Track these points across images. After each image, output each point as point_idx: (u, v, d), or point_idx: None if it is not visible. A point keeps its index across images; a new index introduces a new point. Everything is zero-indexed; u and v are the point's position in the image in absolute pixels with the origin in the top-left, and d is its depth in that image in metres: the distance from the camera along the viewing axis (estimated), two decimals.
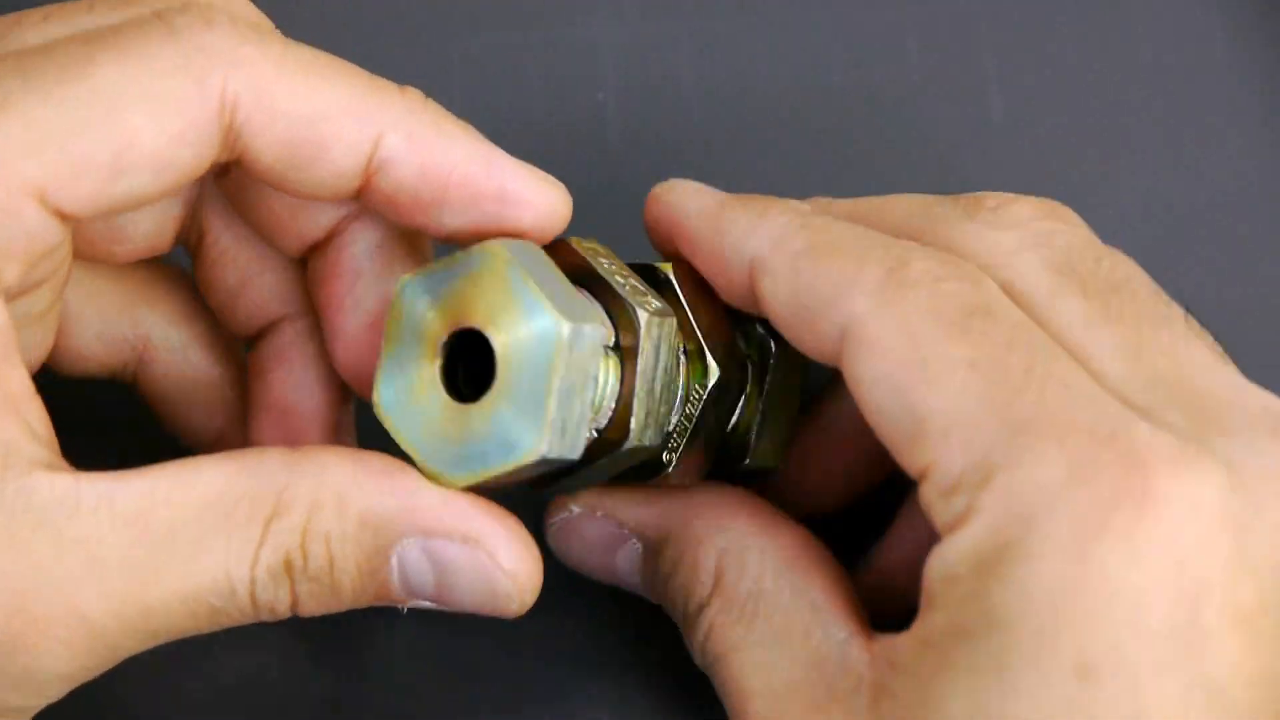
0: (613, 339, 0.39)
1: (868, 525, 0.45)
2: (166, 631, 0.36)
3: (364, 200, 0.38)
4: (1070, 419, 0.35)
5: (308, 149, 0.37)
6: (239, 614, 0.37)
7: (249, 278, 0.42)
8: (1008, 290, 0.38)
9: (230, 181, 0.41)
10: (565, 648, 0.46)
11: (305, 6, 0.51)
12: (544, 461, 0.37)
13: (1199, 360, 0.37)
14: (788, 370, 0.43)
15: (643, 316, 0.39)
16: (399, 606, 0.38)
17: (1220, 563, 0.34)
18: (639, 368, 0.39)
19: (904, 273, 0.37)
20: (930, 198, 0.40)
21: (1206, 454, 0.35)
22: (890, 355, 0.36)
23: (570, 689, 0.46)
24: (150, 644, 0.37)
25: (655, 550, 0.42)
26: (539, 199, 0.38)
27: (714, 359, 0.41)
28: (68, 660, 0.36)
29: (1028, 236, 0.39)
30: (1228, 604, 0.34)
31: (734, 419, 0.42)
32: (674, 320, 0.40)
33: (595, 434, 0.39)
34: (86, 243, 0.40)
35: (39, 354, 0.40)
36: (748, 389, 0.42)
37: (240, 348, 0.44)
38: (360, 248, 0.40)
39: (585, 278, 0.39)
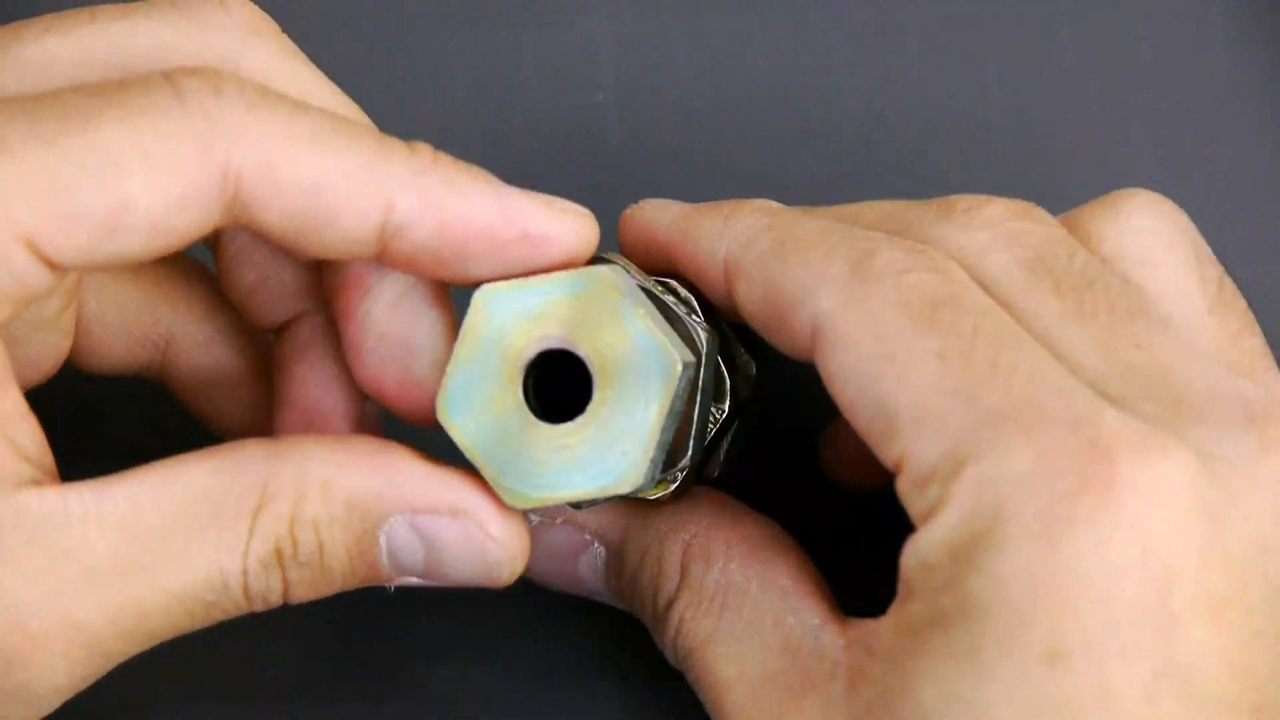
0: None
1: (867, 526, 0.45)
2: (162, 632, 0.37)
3: (386, 262, 0.38)
4: (1037, 408, 0.35)
5: (315, 219, 0.37)
6: (233, 607, 0.37)
7: (267, 275, 0.42)
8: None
9: None
10: (566, 647, 0.46)
11: (305, 6, 0.51)
12: (631, 492, 0.38)
13: (1174, 352, 0.37)
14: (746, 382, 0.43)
15: (704, 338, 0.39)
16: (386, 586, 0.39)
17: (1190, 549, 0.34)
18: (699, 392, 0.39)
19: (869, 265, 0.37)
20: (904, 202, 0.41)
21: (1176, 440, 0.35)
22: (859, 350, 0.37)
23: (571, 689, 0.46)
24: (145, 646, 0.37)
25: (618, 552, 0.42)
26: (562, 234, 0.38)
27: (731, 381, 0.41)
28: (66, 672, 0.36)
29: (1000, 236, 0.39)
30: (1198, 591, 0.34)
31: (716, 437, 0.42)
32: (717, 339, 0.40)
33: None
34: None
35: (54, 356, 0.40)
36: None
37: (266, 339, 0.44)
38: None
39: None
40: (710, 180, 0.50)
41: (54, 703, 0.37)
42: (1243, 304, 0.40)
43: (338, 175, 0.36)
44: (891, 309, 0.37)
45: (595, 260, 0.39)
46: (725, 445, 0.42)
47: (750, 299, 0.39)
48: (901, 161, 0.50)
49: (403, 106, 0.51)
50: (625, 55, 0.51)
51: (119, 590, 0.35)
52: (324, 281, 0.41)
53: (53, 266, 0.35)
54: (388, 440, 0.38)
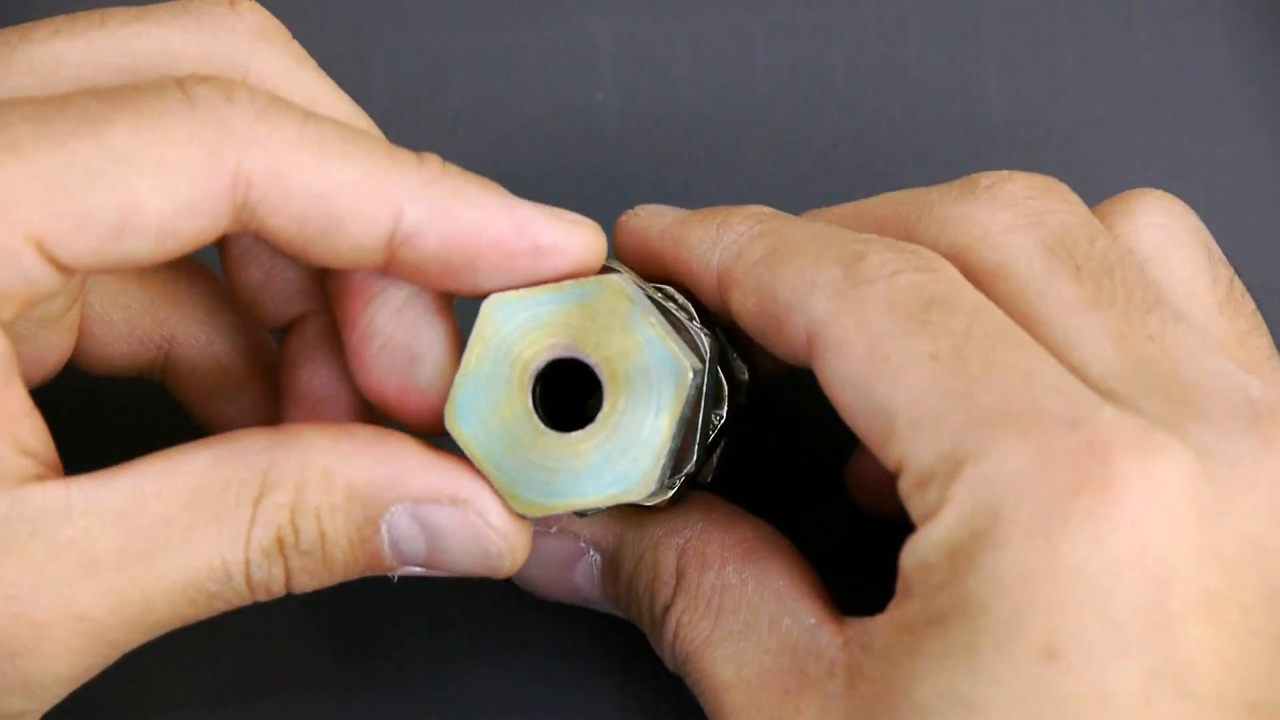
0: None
1: (864, 528, 0.45)
2: (166, 622, 0.37)
3: (394, 271, 0.38)
4: (1034, 406, 0.35)
5: (324, 226, 0.37)
6: (235, 596, 0.37)
7: (273, 274, 0.42)
8: (1001, 270, 0.38)
9: None
10: (565, 653, 0.46)
11: (306, 6, 0.51)
12: (642, 500, 0.38)
13: (1186, 346, 0.37)
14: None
15: (707, 344, 0.39)
16: (390, 575, 0.39)
17: (1186, 548, 0.35)
18: (703, 398, 0.39)
19: (860, 269, 0.37)
20: (921, 189, 0.41)
21: (1174, 439, 0.35)
22: (854, 355, 0.37)
23: (570, 694, 0.46)
24: (150, 636, 0.37)
25: (613, 559, 0.42)
26: (572, 245, 0.38)
27: (729, 386, 0.41)
28: (69, 662, 0.36)
29: (1022, 215, 0.39)
30: (1194, 590, 0.34)
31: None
32: (718, 346, 0.40)
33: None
34: None
35: (58, 356, 0.40)
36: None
37: (267, 342, 0.44)
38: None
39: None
40: (710, 180, 0.50)
41: (58, 693, 0.37)
42: (1252, 305, 0.40)
43: (347, 183, 0.36)
44: (884, 311, 0.37)
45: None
46: (720, 450, 0.42)
47: (745, 307, 0.39)
48: (901, 161, 0.50)
49: (403, 106, 0.51)
50: (625, 55, 0.51)
51: (122, 580, 0.36)
52: (328, 289, 0.41)
53: (61, 268, 0.35)
54: (389, 429, 0.38)
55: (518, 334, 0.38)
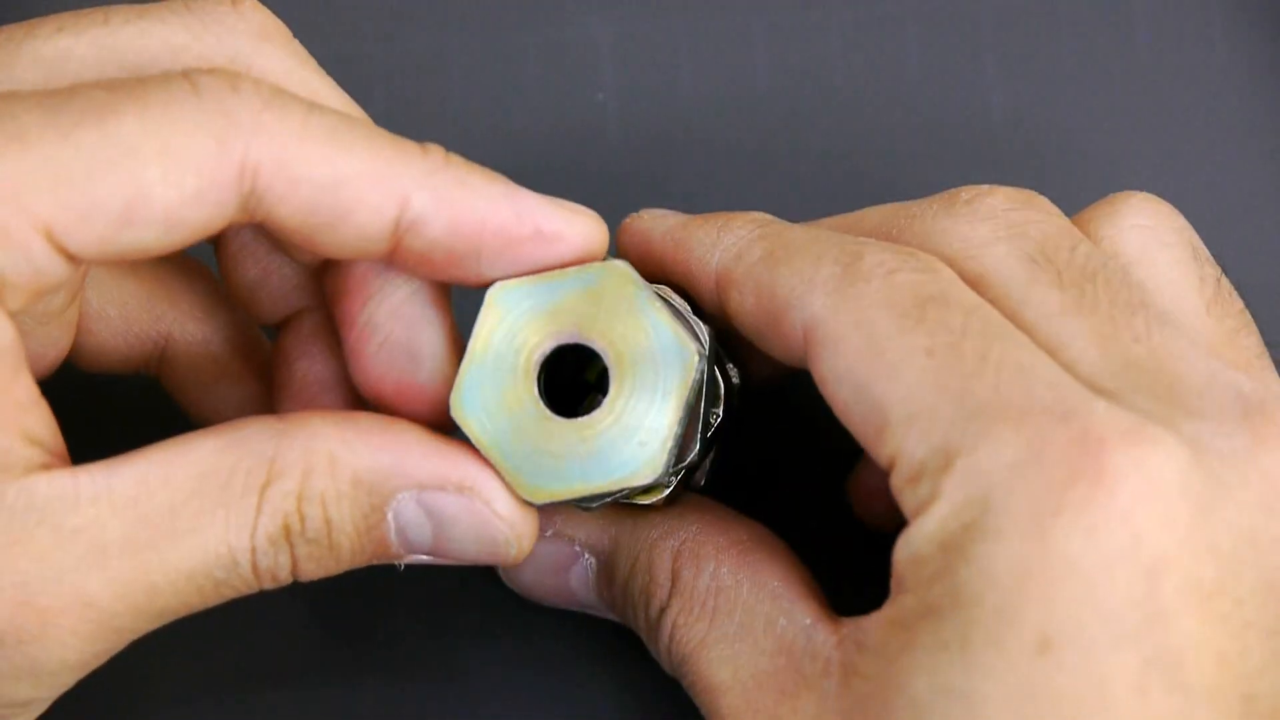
0: None
1: (859, 529, 0.45)
2: (173, 610, 0.37)
3: (398, 261, 0.38)
4: (1026, 401, 0.35)
5: (331, 214, 0.37)
6: (242, 584, 0.37)
7: (270, 270, 0.42)
8: (983, 281, 0.38)
9: None
10: (564, 658, 0.46)
11: (306, 6, 0.51)
12: (649, 484, 0.38)
13: (1173, 346, 0.37)
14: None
15: (706, 335, 0.39)
16: (396, 563, 0.39)
17: (1180, 540, 0.35)
18: (704, 386, 0.39)
19: (857, 267, 0.37)
20: (905, 202, 0.41)
21: (1168, 432, 0.35)
22: (849, 350, 0.37)
23: (568, 698, 0.46)
24: (156, 624, 0.37)
25: (608, 562, 0.42)
26: (575, 233, 0.38)
27: (724, 386, 0.41)
28: (76, 648, 0.36)
29: (1001, 227, 0.39)
30: (1187, 582, 0.35)
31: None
32: (714, 344, 0.40)
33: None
34: None
35: (57, 351, 0.41)
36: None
37: (264, 340, 0.44)
38: (370, 265, 0.40)
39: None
40: (710, 180, 0.50)
41: (66, 680, 0.37)
42: (1239, 304, 0.40)
43: (353, 172, 0.37)
44: (880, 308, 0.37)
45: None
46: (713, 453, 0.42)
47: (743, 306, 0.39)
48: (901, 161, 0.50)
49: (403, 106, 0.51)
50: (625, 55, 0.51)
51: (129, 568, 0.36)
52: (326, 288, 0.41)
53: (69, 257, 0.36)
54: (394, 417, 0.38)
55: (522, 321, 0.38)
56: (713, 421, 0.40)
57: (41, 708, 0.38)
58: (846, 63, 0.51)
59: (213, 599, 0.37)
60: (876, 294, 0.37)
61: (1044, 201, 0.40)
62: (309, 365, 0.42)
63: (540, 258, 0.38)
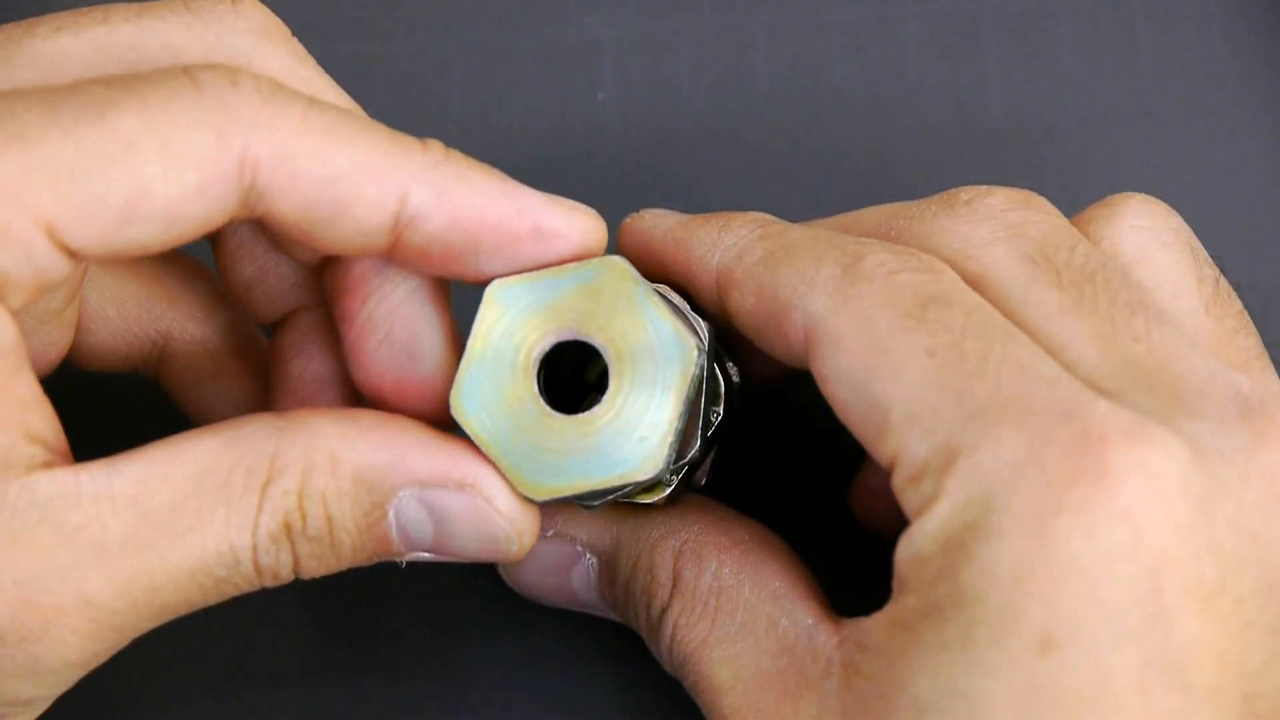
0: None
1: (860, 530, 0.45)
2: (174, 608, 0.37)
3: (397, 257, 0.38)
4: (1027, 400, 0.35)
5: (331, 209, 0.37)
6: (244, 582, 0.37)
7: (267, 268, 0.42)
8: (982, 282, 0.38)
9: None
10: (564, 660, 0.46)
11: (306, 6, 0.51)
12: (649, 480, 0.38)
13: (1172, 346, 0.37)
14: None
15: (705, 331, 0.39)
16: (398, 561, 0.39)
17: (1181, 539, 0.35)
18: (704, 382, 0.39)
19: (859, 267, 0.37)
20: (904, 203, 0.41)
21: (1168, 431, 0.35)
22: (851, 350, 0.37)
23: (568, 700, 0.46)
24: (158, 622, 0.37)
25: (610, 562, 0.42)
26: (573, 231, 0.38)
27: (724, 385, 0.41)
28: (77, 647, 0.36)
29: (1000, 228, 0.39)
30: (1189, 581, 0.35)
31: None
32: (714, 342, 0.40)
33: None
34: None
35: (57, 350, 0.41)
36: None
37: (262, 340, 0.44)
38: (370, 263, 0.40)
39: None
40: (709, 179, 0.50)
41: (68, 678, 0.37)
42: (1238, 304, 0.40)
43: (353, 167, 0.37)
44: (882, 308, 0.37)
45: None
46: (713, 453, 0.42)
47: (744, 306, 0.39)
48: (901, 161, 0.50)
49: (403, 106, 0.51)
50: (625, 55, 0.51)
51: (130, 566, 0.36)
52: (325, 285, 0.41)
53: (70, 254, 0.36)
54: (394, 414, 0.38)
55: (521, 319, 0.38)
56: (713, 420, 0.40)
57: (43, 706, 0.38)
58: (846, 63, 0.51)
59: (214, 597, 0.37)
60: (878, 294, 0.37)
61: (1042, 202, 0.40)
62: (305, 363, 0.42)
63: (539, 254, 0.38)
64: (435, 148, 0.38)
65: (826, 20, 0.51)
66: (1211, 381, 0.37)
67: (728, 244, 0.40)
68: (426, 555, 0.39)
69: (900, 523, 0.37)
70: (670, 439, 0.38)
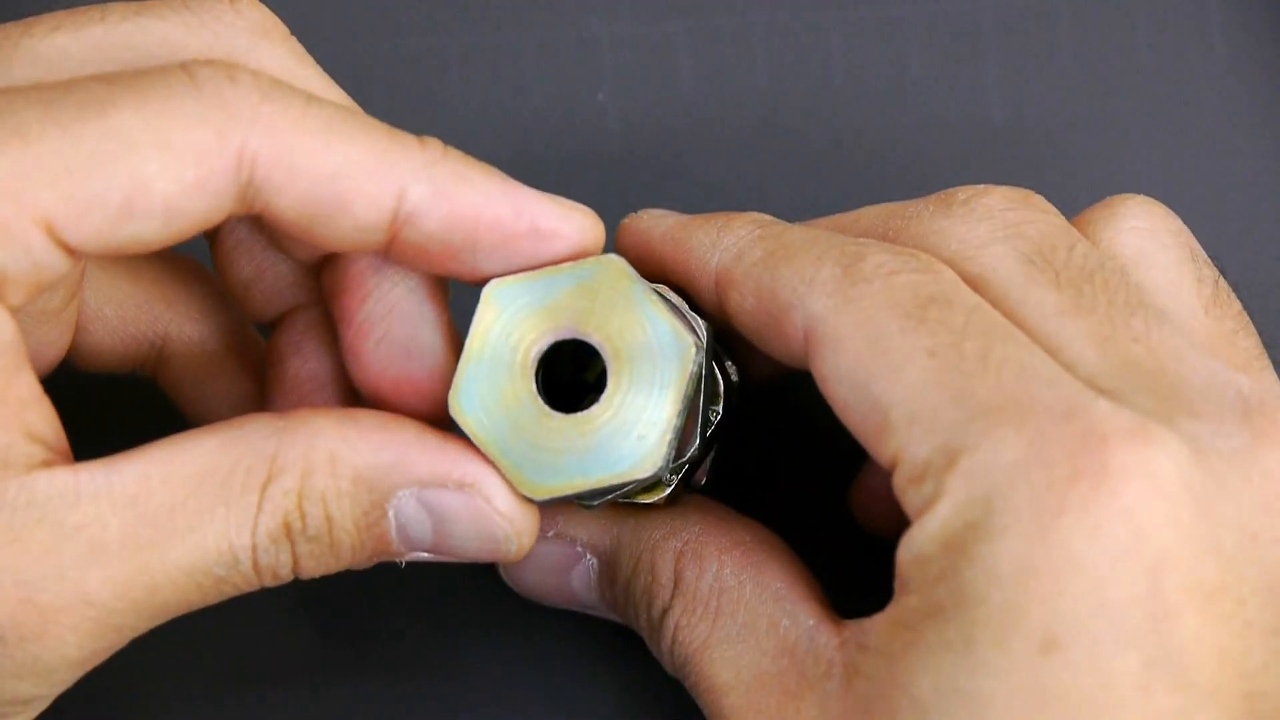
0: None
1: (861, 532, 0.45)
2: (173, 607, 0.37)
3: (395, 255, 0.38)
4: (1029, 399, 0.35)
5: (329, 206, 0.37)
6: (243, 581, 0.37)
7: (264, 267, 0.42)
8: (981, 282, 0.38)
9: None
10: (565, 661, 0.46)
11: (306, 6, 0.51)
12: (648, 478, 0.38)
13: (1172, 346, 0.37)
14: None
15: (703, 329, 0.39)
16: (398, 561, 0.39)
17: (1182, 539, 0.35)
18: (703, 380, 0.39)
19: (859, 268, 0.37)
20: (902, 202, 0.41)
21: (1169, 431, 0.35)
22: (851, 350, 0.37)
23: (568, 700, 0.46)
24: (157, 621, 0.37)
25: (610, 563, 0.42)
26: (571, 230, 0.38)
27: (724, 379, 0.41)
28: (76, 646, 0.36)
29: (999, 228, 0.39)
30: (1190, 580, 0.35)
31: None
32: (712, 341, 0.40)
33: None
34: None
35: (55, 350, 0.41)
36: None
37: (259, 340, 0.44)
38: (368, 262, 0.40)
39: None
40: (709, 180, 0.50)
41: (67, 677, 0.37)
42: (1238, 305, 0.40)
43: (351, 163, 0.37)
44: (882, 308, 0.37)
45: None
46: (713, 452, 0.42)
47: (743, 306, 0.39)
48: (901, 162, 0.50)
49: (403, 106, 0.51)
50: (625, 55, 0.51)
51: (129, 565, 0.36)
52: (324, 284, 0.41)
53: (69, 251, 0.36)
54: (394, 414, 0.38)
55: (519, 318, 0.38)
56: (712, 419, 0.40)
57: (42, 705, 0.38)
58: (846, 63, 0.51)
59: (213, 596, 0.37)
60: (878, 295, 0.37)
61: (1041, 201, 0.40)
62: (302, 363, 0.42)
63: (536, 254, 0.38)
64: (433, 145, 0.38)
65: (826, 20, 0.51)
66: (1211, 382, 0.37)
67: (727, 244, 0.40)
68: (426, 555, 0.39)
69: (901, 523, 0.37)
70: (669, 437, 0.38)
